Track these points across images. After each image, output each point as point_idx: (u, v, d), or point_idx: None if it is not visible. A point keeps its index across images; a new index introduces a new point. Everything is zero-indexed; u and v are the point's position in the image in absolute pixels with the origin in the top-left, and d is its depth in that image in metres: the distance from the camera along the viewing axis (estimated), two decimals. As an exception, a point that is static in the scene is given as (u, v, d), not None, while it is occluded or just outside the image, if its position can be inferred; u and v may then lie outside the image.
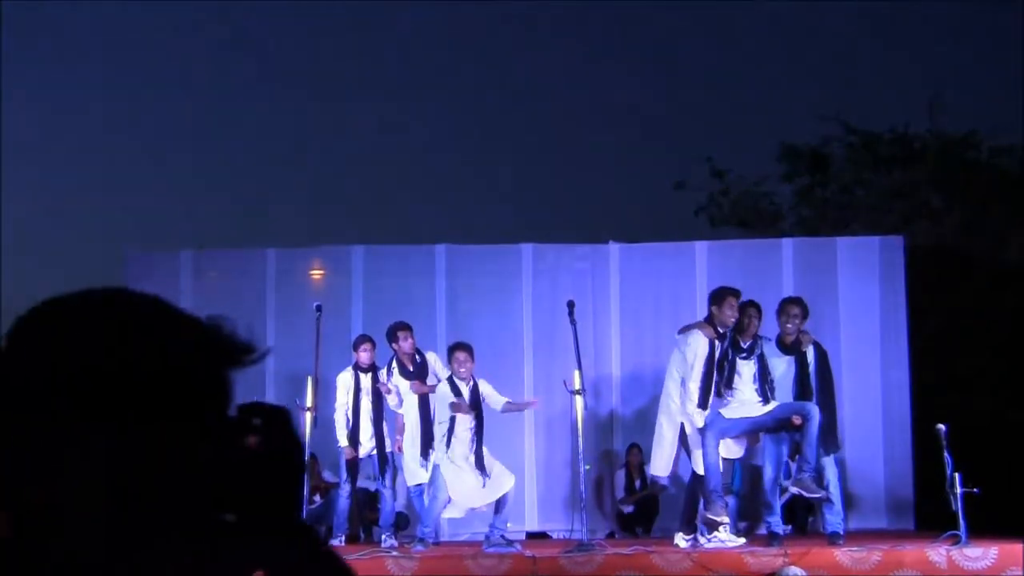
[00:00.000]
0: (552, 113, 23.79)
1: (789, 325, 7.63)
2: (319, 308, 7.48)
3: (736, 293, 7.45)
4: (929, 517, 9.27)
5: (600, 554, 6.38)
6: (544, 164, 23.72)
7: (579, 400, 7.04)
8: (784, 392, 7.62)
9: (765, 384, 7.54)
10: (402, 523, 9.77)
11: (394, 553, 6.58)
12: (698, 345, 7.28)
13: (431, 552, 7.15)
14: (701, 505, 7.48)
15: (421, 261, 10.68)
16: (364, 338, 8.26)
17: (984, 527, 6.87)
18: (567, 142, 23.52)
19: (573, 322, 7.22)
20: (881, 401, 10.30)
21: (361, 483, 8.59)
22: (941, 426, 7.13)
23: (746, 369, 7.46)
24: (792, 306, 7.70)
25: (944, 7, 17.47)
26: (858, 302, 10.55)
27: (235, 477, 0.96)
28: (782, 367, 7.68)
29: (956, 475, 6.73)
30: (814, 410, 7.34)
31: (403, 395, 8.09)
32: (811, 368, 7.68)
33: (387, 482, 8.16)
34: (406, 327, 8.12)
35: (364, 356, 8.15)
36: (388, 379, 8.11)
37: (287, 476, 1.00)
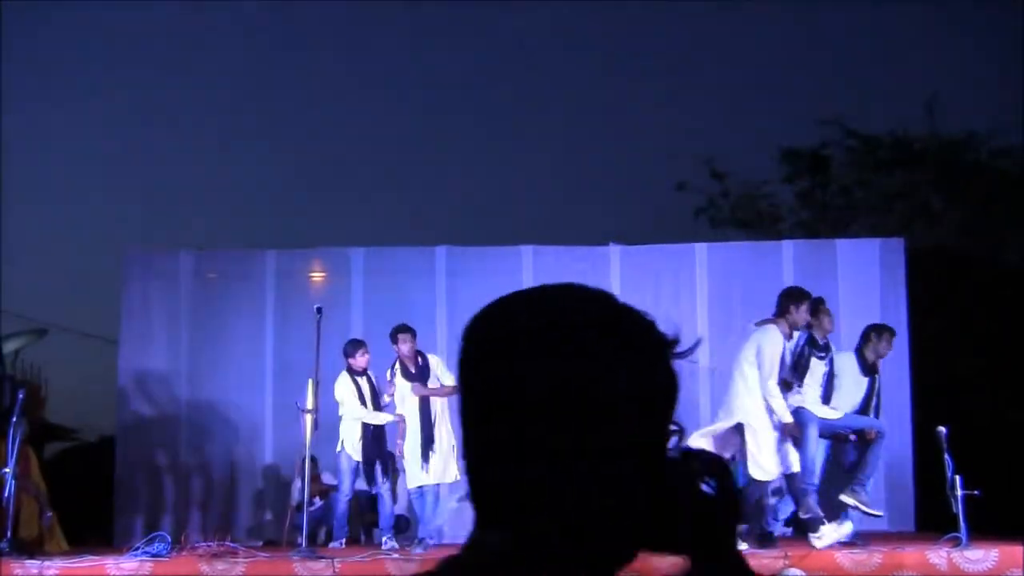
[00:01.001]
0: (553, 115, 23.80)
1: (884, 350, 7.86)
2: (319, 310, 7.45)
3: (809, 296, 7.54)
4: (930, 519, 9.26)
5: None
6: (545, 166, 23.73)
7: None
8: (844, 405, 7.70)
9: (831, 387, 7.60)
10: (402, 526, 9.76)
11: (395, 556, 6.57)
12: (776, 341, 7.32)
13: (431, 554, 7.14)
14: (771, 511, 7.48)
15: (421, 263, 10.67)
16: (361, 343, 8.25)
17: (985, 529, 6.86)
18: (568, 144, 23.53)
19: (573, 324, 7.20)
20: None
21: (361, 486, 8.58)
22: (942, 428, 7.12)
23: (818, 369, 7.51)
24: (891, 334, 7.95)
25: (942, 11, 17.48)
26: (858, 304, 10.53)
27: (689, 515, 1.04)
28: (860, 383, 7.83)
29: (956, 477, 6.72)
30: (884, 428, 7.56)
31: (404, 397, 8.08)
32: (877, 389, 7.88)
33: (386, 485, 8.15)
34: (406, 330, 8.10)
35: (362, 360, 8.13)
36: (391, 380, 8.12)
37: (732, 520, 1.08)
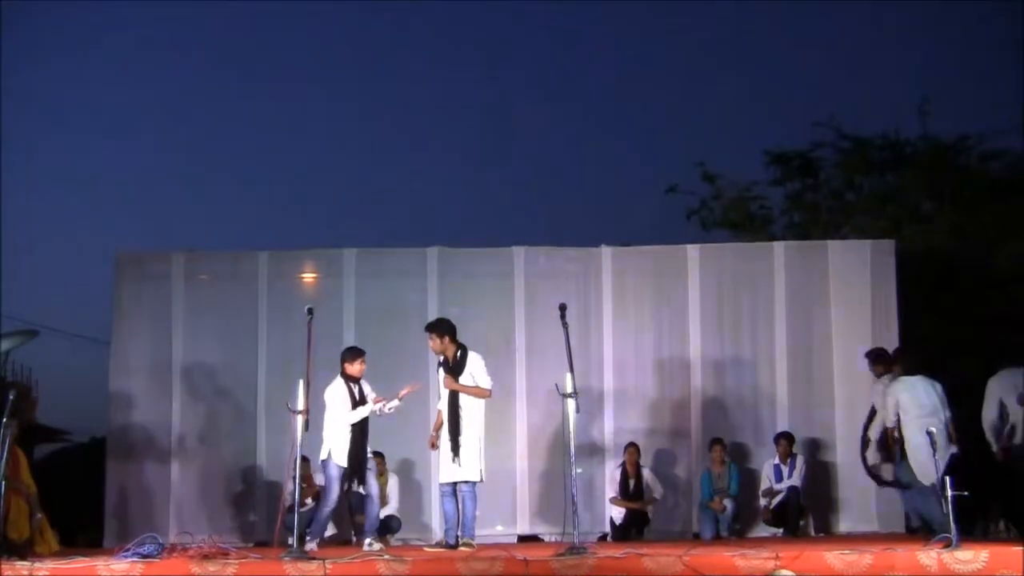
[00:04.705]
0: (547, 117, 23.84)
1: None
2: (310, 311, 7.44)
3: None
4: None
5: (592, 557, 6.37)
6: (537, 168, 23.78)
7: (570, 403, 7.01)
8: None
9: None
10: (394, 526, 9.75)
11: (386, 556, 6.56)
12: None
13: (423, 555, 7.14)
14: None
15: (413, 264, 10.66)
16: (361, 352, 8.24)
17: (975, 530, 6.88)
18: (561, 145, 23.58)
19: (565, 325, 7.19)
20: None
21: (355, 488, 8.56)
22: (932, 429, 7.15)
23: None
24: None
25: (934, 14, 17.57)
26: (849, 305, 10.56)
27: None
28: None
29: (946, 478, 6.74)
30: None
31: (441, 390, 8.12)
32: None
33: (374, 486, 8.14)
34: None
35: (359, 368, 8.15)
36: (437, 372, 8.22)
37: None
